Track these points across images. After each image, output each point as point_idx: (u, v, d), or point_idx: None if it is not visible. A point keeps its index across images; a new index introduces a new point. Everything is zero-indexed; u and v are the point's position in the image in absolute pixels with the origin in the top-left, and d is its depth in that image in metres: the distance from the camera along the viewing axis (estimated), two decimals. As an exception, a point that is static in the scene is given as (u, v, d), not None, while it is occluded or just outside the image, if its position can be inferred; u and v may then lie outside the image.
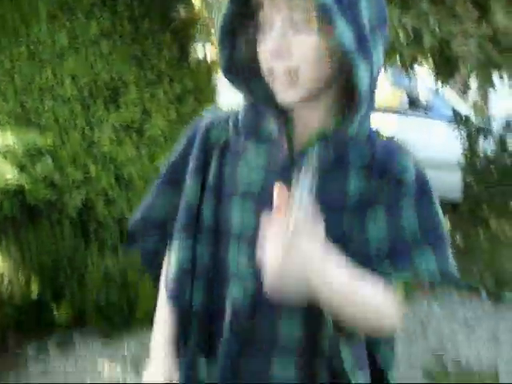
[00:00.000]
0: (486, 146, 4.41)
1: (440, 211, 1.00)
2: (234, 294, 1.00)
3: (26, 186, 2.59)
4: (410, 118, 5.94)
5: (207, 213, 1.04)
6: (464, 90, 8.54)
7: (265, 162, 0.99)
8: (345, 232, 0.96)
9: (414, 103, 6.25)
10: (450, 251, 0.98)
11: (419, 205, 0.97)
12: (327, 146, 0.95)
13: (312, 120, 0.98)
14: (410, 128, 5.54)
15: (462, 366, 3.12)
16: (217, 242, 1.03)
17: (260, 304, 0.98)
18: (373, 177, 0.97)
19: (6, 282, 2.90)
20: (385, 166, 0.97)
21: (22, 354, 2.85)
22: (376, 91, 0.96)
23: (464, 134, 4.44)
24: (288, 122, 0.99)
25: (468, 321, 3.68)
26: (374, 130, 1.01)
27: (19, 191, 2.67)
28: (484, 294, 4.04)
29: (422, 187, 0.98)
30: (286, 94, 0.94)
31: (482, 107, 5.77)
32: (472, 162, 4.34)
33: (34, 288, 2.94)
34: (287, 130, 0.98)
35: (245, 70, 1.00)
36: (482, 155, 4.34)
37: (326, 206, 0.91)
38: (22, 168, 2.65)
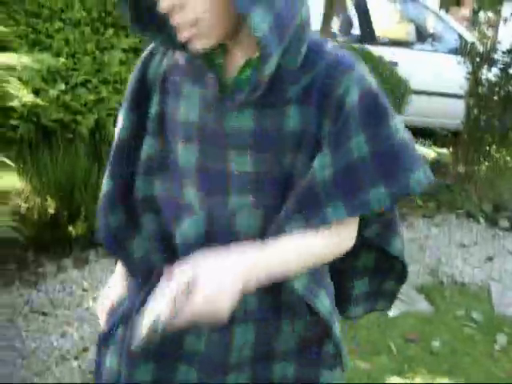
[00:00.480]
0: (490, 74, 4.42)
1: (396, 128, 0.92)
2: (184, 228, 0.99)
3: (41, 107, 2.69)
4: (418, 51, 5.94)
5: (148, 146, 1.03)
6: (471, 21, 8.44)
7: (201, 100, 0.96)
8: (289, 172, 0.93)
9: (422, 35, 6.23)
10: (410, 168, 0.91)
11: (367, 128, 0.90)
12: (257, 77, 0.88)
13: (240, 55, 0.94)
14: (417, 60, 5.57)
15: (456, 281, 3.29)
16: (164, 175, 1.02)
17: (209, 240, 0.97)
18: (312, 103, 0.91)
19: (23, 201, 3.04)
20: (325, 89, 0.91)
21: (41, 272, 3.00)
22: (306, 30, 0.90)
23: (469, 61, 4.45)
24: (215, 58, 0.95)
25: (465, 243, 3.82)
26: (319, 45, 0.93)
27: (34, 113, 2.77)
28: (482, 219, 4.17)
29: (370, 108, 0.91)
30: (193, 44, 0.90)
31: (487, 35, 5.72)
32: (475, 89, 4.37)
33: (51, 207, 3.07)
34: (216, 66, 0.95)
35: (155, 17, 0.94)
36: (485, 82, 4.36)
37: (265, 147, 0.92)
38: (36, 90, 2.75)
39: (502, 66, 4.34)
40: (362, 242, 1.07)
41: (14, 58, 2.60)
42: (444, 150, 5.31)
